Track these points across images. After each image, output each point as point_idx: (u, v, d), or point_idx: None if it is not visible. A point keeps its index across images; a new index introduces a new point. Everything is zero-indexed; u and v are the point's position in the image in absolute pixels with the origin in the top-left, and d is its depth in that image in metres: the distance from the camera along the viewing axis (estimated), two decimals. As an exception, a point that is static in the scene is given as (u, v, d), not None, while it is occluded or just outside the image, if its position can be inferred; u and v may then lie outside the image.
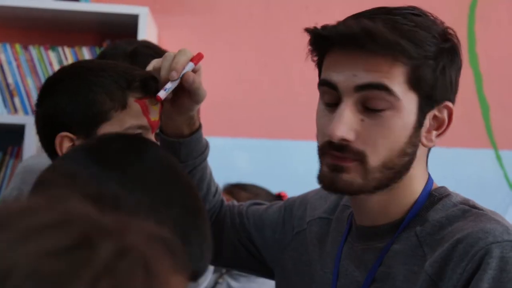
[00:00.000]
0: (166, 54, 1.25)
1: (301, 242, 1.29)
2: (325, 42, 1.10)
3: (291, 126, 2.54)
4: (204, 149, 1.36)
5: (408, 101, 1.06)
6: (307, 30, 1.10)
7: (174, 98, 1.27)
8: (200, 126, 1.34)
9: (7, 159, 2.39)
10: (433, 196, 1.13)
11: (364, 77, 1.05)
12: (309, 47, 1.14)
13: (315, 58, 1.16)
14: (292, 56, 2.56)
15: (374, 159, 1.06)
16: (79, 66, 1.35)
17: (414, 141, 1.08)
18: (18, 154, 2.38)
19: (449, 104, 1.10)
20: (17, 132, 2.33)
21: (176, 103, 1.29)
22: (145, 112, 1.24)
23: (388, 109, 1.05)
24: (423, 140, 1.09)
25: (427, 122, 1.09)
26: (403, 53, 1.04)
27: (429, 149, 1.15)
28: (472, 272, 1.01)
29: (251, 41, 2.58)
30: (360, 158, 1.06)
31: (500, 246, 1.01)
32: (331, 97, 1.10)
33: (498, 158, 2.57)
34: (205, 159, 1.37)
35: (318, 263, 1.23)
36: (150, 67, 1.25)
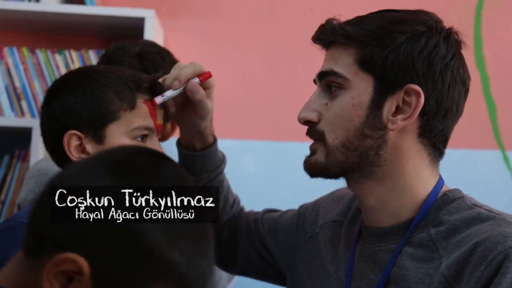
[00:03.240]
0: (177, 64, 1.29)
1: (313, 246, 1.30)
2: (322, 46, 1.21)
3: (298, 128, 2.52)
4: (219, 163, 1.38)
5: (360, 81, 1.12)
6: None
7: (179, 112, 1.29)
8: (214, 141, 1.36)
9: (15, 162, 2.39)
10: (446, 196, 1.13)
11: (323, 67, 1.18)
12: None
13: None
14: (297, 57, 2.56)
15: (332, 137, 1.13)
16: (86, 69, 1.37)
17: (373, 122, 1.11)
18: (25, 157, 2.39)
19: (414, 86, 1.10)
20: (24, 135, 2.33)
21: (181, 118, 1.31)
22: (153, 114, 1.25)
23: (339, 89, 1.14)
24: (389, 124, 1.11)
25: (391, 105, 1.10)
26: (345, 37, 1.13)
27: (436, 146, 1.15)
28: (491, 276, 1.00)
29: (257, 43, 2.58)
30: (321, 137, 1.15)
31: None
32: None
33: (506, 159, 2.56)
34: (220, 172, 1.39)
35: (332, 266, 1.23)
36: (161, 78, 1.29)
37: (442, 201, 1.12)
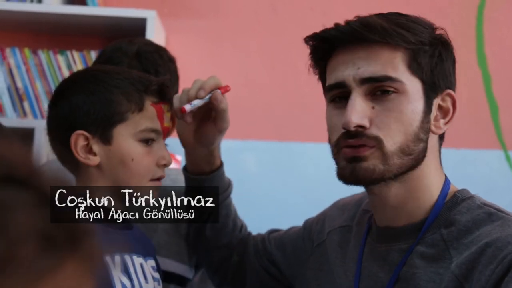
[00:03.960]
0: (196, 79, 1.31)
1: (321, 253, 1.31)
2: (327, 45, 1.16)
3: (299, 128, 2.54)
4: (227, 186, 1.40)
5: (412, 86, 1.11)
6: (308, 38, 1.17)
7: (198, 124, 1.31)
8: (221, 165, 1.37)
9: (17, 163, 2.40)
10: (456, 197, 1.14)
11: (367, 70, 1.11)
12: (311, 58, 1.21)
13: (317, 70, 1.22)
14: (299, 57, 2.55)
15: (390, 143, 1.10)
16: (94, 69, 1.37)
17: (425, 126, 1.12)
18: (27, 158, 2.39)
19: (451, 92, 1.15)
20: (26, 135, 2.33)
21: (199, 131, 1.32)
22: (160, 117, 1.26)
23: (395, 93, 1.10)
24: (432, 127, 1.13)
25: (434, 110, 1.14)
26: (401, 39, 1.10)
27: (440, 147, 1.18)
28: (502, 275, 1.01)
29: (258, 44, 2.58)
30: (377, 143, 1.10)
31: None
32: (340, 96, 1.14)
33: (508, 159, 2.56)
34: (228, 196, 1.40)
35: (341, 268, 1.23)
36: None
37: (452, 202, 1.14)
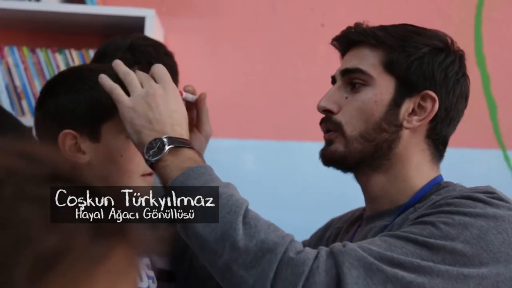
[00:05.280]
0: None
1: None
2: (340, 46, 1.32)
3: (298, 128, 2.53)
4: None
5: (383, 81, 1.24)
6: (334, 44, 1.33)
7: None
8: None
9: (15, 162, 2.40)
10: (440, 185, 1.24)
11: (346, 64, 1.27)
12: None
13: None
14: (298, 57, 2.56)
15: (350, 129, 1.23)
16: (79, 68, 1.36)
17: (391, 119, 1.23)
18: (25, 157, 2.39)
19: (430, 93, 1.23)
20: (24, 134, 2.33)
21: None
22: None
23: (363, 86, 1.24)
24: (404, 122, 1.23)
25: (408, 106, 1.23)
26: (375, 39, 1.24)
27: (438, 148, 1.27)
28: (427, 213, 1.12)
29: (258, 43, 2.58)
30: (338, 128, 1.24)
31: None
32: None
33: (506, 158, 2.56)
34: None
35: None
36: None
37: (436, 188, 1.23)
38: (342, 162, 1.25)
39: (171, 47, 2.30)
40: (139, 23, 2.30)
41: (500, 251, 1.05)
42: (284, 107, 2.55)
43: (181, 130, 1.14)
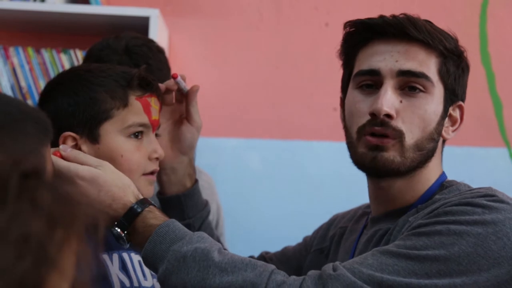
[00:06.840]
0: None
1: (318, 256, 1.37)
2: (366, 33, 1.20)
3: (303, 127, 2.53)
4: (206, 202, 1.41)
5: (438, 90, 1.19)
6: (349, 23, 1.21)
7: (174, 130, 1.36)
8: (196, 181, 1.39)
9: (21, 162, 2.40)
10: (443, 186, 1.22)
11: (405, 64, 1.17)
12: (343, 43, 1.25)
13: (345, 56, 1.26)
14: (303, 56, 2.55)
15: (410, 137, 1.16)
16: (77, 69, 1.37)
17: (439, 129, 1.20)
18: (31, 157, 2.39)
19: (462, 104, 1.24)
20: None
21: (177, 136, 1.36)
22: (147, 110, 1.25)
23: (424, 93, 1.17)
24: (443, 132, 1.21)
25: (447, 116, 1.22)
26: (440, 44, 1.17)
27: (443, 147, 1.26)
28: (424, 223, 1.10)
29: (262, 42, 2.58)
30: (399, 136, 1.16)
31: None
32: (370, 83, 1.20)
33: (512, 157, 2.55)
34: (208, 212, 1.41)
35: (338, 260, 1.26)
36: None
37: (440, 189, 1.21)
38: (394, 172, 1.17)
39: (176, 47, 2.30)
40: (143, 23, 2.30)
41: (501, 256, 1.04)
42: (289, 106, 2.55)
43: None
